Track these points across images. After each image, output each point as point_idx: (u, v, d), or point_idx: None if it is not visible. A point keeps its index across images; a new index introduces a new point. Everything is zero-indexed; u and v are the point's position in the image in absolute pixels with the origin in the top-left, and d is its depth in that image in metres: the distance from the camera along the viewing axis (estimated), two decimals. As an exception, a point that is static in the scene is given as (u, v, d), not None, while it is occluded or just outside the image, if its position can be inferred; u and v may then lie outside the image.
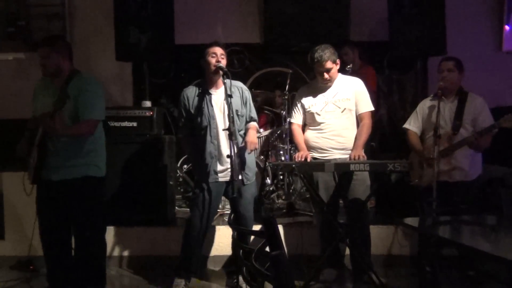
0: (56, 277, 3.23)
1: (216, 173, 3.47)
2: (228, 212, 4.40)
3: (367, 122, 3.53)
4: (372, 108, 3.60)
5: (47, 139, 3.04)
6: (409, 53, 4.58)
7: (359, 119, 3.56)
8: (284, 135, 4.64)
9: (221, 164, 3.47)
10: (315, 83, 3.64)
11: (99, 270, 3.27)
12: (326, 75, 3.47)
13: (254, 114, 3.65)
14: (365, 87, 3.62)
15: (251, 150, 3.48)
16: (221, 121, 3.47)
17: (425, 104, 3.73)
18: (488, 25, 5.22)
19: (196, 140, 3.52)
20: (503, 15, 5.16)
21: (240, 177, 3.43)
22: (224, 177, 3.48)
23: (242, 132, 3.56)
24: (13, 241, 4.19)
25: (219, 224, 4.13)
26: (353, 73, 4.59)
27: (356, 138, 3.50)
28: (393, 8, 4.65)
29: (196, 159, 3.57)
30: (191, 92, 3.52)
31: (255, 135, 3.53)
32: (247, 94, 3.60)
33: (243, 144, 3.46)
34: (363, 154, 3.39)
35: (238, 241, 2.12)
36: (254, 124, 3.61)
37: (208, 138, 3.46)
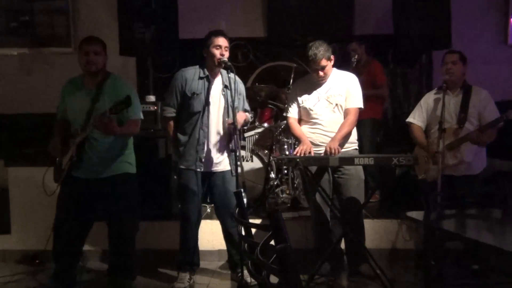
0: (65, 274, 3.29)
1: (201, 161, 3.45)
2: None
3: (351, 118, 3.49)
4: (361, 106, 3.55)
5: (86, 139, 3.10)
6: (414, 46, 4.55)
7: (345, 113, 3.52)
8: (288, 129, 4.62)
9: (207, 153, 3.45)
10: (310, 77, 3.62)
11: (132, 261, 3.39)
12: (321, 73, 3.46)
13: (247, 106, 3.66)
14: (359, 84, 3.58)
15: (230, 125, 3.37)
16: (215, 110, 3.46)
17: (429, 98, 3.71)
18: (493, 18, 5.17)
19: (183, 125, 3.47)
20: (509, 8, 5.11)
21: (229, 167, 3.51)
22: (211, 167, 3.48)
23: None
24: (19, 236, 4.21)
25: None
26: (361, 68, 4.58)
27: (337, 131, 3.47)
28: (398, 1, 4.62)
29: (181, 144, 3.49)
30: (190, 74, 3.46)
31: (242, 116, 3.51)
32: (241, 86, 3.59)
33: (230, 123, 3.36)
34: (338, 147, 3.38)
35: (243, 235, 2.12)
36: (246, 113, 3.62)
37: (199, 124, 3.42)
